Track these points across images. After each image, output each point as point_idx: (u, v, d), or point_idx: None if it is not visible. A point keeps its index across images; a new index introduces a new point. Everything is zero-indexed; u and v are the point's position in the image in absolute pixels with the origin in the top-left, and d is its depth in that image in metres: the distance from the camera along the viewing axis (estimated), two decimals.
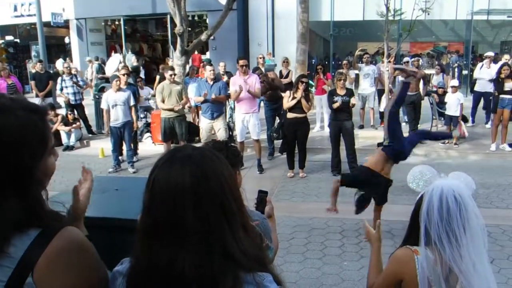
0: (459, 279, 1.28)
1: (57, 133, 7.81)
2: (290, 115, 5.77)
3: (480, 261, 1.29)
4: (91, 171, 1.06)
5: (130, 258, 0.89)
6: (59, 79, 8.40)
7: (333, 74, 9.33)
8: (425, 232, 1.30)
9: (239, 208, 0.88)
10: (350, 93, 5.79)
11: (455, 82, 7.48)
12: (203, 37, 8.39)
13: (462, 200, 1.29)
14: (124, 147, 6.39)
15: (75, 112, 8.34)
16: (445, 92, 7.72)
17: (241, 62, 6.09)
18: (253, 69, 7.35)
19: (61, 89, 8.20)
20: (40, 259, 0.82)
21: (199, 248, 0.81)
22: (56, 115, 7.90)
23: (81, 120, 8.39)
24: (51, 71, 10.57)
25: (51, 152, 0.91)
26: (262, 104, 8.33)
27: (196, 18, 13.09)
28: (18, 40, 16.60)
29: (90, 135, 8.43)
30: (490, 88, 7.94)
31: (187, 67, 8.68)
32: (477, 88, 8.42)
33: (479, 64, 8.69)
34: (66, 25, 14.22)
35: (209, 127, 6.09)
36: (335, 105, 5.64)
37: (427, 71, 9.97)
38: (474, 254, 1.28)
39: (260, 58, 9.13)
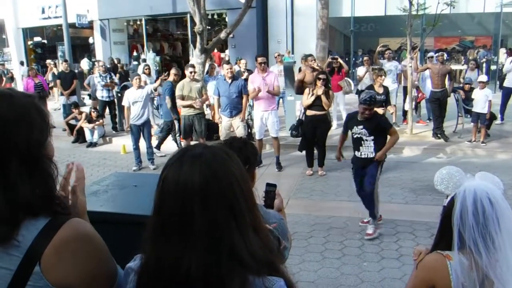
0: (494, 284, 1.23)
1: (81, 130, 8.08)
2: (309, 112, 5.70)
3: None
4: (83, 170, 1.04)
5: (141, 255, 0.90)
6: (97, 74, 8.60)
7: (353, 71, 9.17)
8: (458, 237, 1.25)
9: (250, 209, 0.85)
10: (386, 92, 5.74)
11: (483, 78, 7.16)
12: (222, 35, 8.41)
13: (497, 203, 1.24)
14: (144, 144, 6.48)
15: (108, 108, 8.60)
16: (471, 88, 7.42)
17: (260, 59, 6.07)
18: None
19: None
20: (47, 249, 0.84)
21: (206, 249, 0.80)
22: (80, 113, 8.16)
23: (110, 117, 8.65)
24: (76, 71, 10.92)
25: (51, 132, 0.97)
26: (281, 101, 8.29)
27: (215, 16, 13.15)
28: (45, 41, 17.23)
29: (114, 132, 8.65)
30: None
31: (207, 65, 8.74)
32: (506, 83, 8.06)
33: (509, 59, 8.30)
34: (90, 26, 14.64)
35: (228, 125, 6.11)
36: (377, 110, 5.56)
37: (453, 67, 9.61)
38: (511, 257, 1.23)
39: (277, 56, 9.06)
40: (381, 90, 5.70)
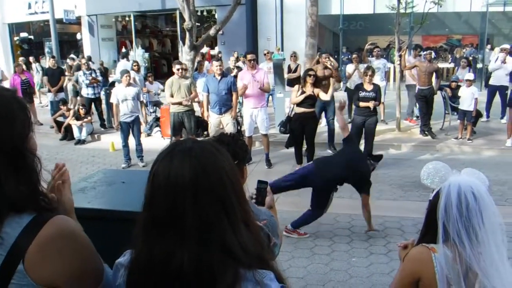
0: (478, 277, 1.25)
1: (69, 127, 7.96)
2: (298, 109, 5.72)
3: (500, 259, 1.26)
4: (66, 170, 1.05)
5: (131, 250, 0.89)
6: (81, 72, 8.51)
7: (342, 68, 9.22)
8: (443, 229, 1.27)
9: (240, 203, 0.86)
10: (377, 89, 5.77)
11: (470, 76, 7.29)
12: (211, 31, 8.37)
13: (481, 197, 1.26)
14: (134, 142, 6.43)
15: (93, 105, 8.49)
16: (458, 86, 7.54)
17: (249, 56, 6.06)
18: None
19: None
20: (31, 246, 0.82)
21: (198, 243, 0.80)
22: (68, 109, 8.04)
23: (97, 114, 8.53)
24: (64, 67, 10.75)
25: (33, 127, 0.97)
26: (270, 98, 8.30)
27: (205, 13, 13.08)
28: (32, 37, 16.88)
29: (103, 129, 8.54)
30: (505, 81, 7.73)
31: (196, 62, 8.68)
32: (492, 81, 8.21)
33: (494, 57, 8.46)
34: (78, 21, 14.39)
35: (218, 122, 6.09)
36: (366, 104, 5.62)
37: (440, 65, 9.76)
38: (494, 252, 1.25)
39: (266, 53, 9.05)
40: (370, 87, 5.75)
